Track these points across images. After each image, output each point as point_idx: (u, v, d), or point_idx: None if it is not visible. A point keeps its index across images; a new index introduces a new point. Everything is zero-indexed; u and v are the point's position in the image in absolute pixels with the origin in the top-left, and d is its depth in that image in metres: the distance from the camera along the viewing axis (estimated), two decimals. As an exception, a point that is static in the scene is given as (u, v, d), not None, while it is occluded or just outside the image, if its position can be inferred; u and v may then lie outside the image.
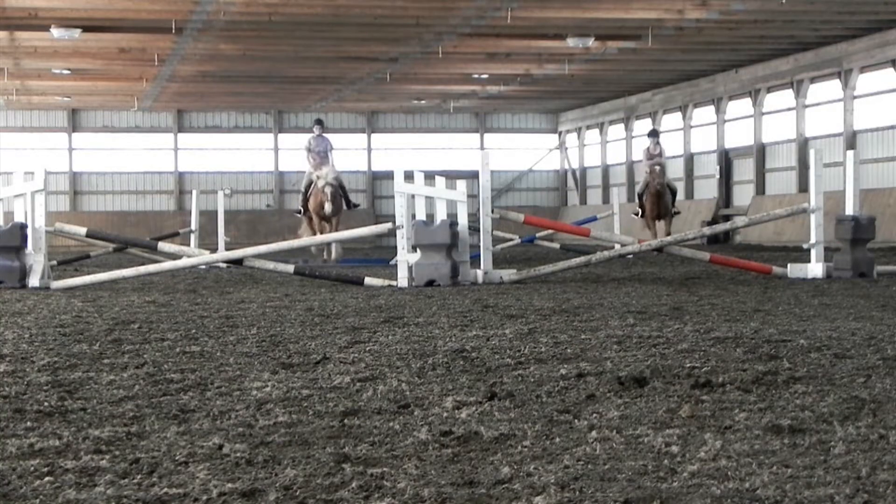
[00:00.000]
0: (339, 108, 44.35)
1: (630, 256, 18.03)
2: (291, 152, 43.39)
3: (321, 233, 21.52)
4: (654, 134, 25.25)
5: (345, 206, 22.60)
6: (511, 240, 23.41)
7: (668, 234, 22.59)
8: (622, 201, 28.20)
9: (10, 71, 32.78)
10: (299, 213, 23.12)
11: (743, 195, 35.15)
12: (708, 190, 37.00)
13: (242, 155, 45.55)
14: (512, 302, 9.93)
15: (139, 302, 10.36)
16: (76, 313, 9.08)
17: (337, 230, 21.49)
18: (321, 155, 22.77)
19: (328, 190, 21.81)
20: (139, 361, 5.88)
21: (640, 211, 23.77)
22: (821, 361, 5.58)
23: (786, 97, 32.67)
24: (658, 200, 23.13)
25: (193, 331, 7.50)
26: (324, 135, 23.30)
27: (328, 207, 21.70)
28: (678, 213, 24.11)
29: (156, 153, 44.91)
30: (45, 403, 4.56)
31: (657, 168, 23.37)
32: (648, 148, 24.73)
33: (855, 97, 29.70)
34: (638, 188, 24.78)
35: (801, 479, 3.18)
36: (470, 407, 4.44)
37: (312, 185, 22.45)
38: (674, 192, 23.95)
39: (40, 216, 13.18)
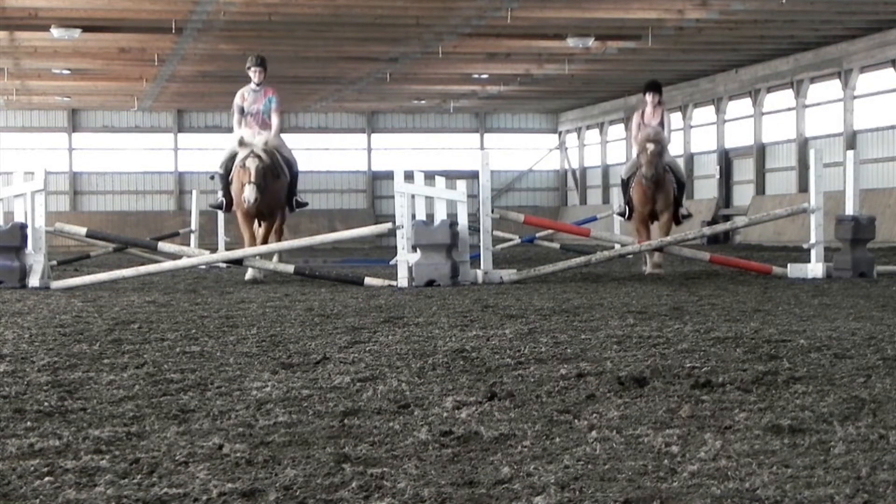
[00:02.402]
0: (339, 108, 44.32)
1: (630, 257, 17.93)
2: (292, 152, 43.35)
3: (253, 236, 14.52)
4: (653, 87, 15.26)
5: (287, 208, 14.80)
6: (511, 240, 23.39)
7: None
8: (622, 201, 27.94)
9: (10, 71, 32.75)
10: (219, 207, 14.78)
11: (743, 195, 35.13)
12: (708, 190, 36.99)
13: (242, 155, 45.52)
14: (512, 302, 9.92)
15: (139, 302, 10.36)
16: (76, 313, 9.08)
17: (275, 234, 14.79)
18: (258, 119, 14.52)
19: (251, 164, 13.68)
20: (139, 361, 5.88)
21: (626, 210, 15.39)
22: (821, 361, 5.58)
23: (786, 97, 32.65)
24: (654, 191, 14.80)
25: (193, 331, 7.50)
26: (265, 86, 14.64)
27: (248, 192, 13.57)
28: (689, 216, 15.46)
29: (156, 153, 44.87)
30: (45, 403, 4.56)
31: (651, 146, 14.44)
32: (643, 111, 15.21)
33: (855, 97, 29.67)
34: (623, 171, 15.71)
35: (801, 479, 3.18)
36: (470, 407, 4.43)
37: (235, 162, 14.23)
38: (681, 183, 15.32)
39: (40, 216, 13.17)
